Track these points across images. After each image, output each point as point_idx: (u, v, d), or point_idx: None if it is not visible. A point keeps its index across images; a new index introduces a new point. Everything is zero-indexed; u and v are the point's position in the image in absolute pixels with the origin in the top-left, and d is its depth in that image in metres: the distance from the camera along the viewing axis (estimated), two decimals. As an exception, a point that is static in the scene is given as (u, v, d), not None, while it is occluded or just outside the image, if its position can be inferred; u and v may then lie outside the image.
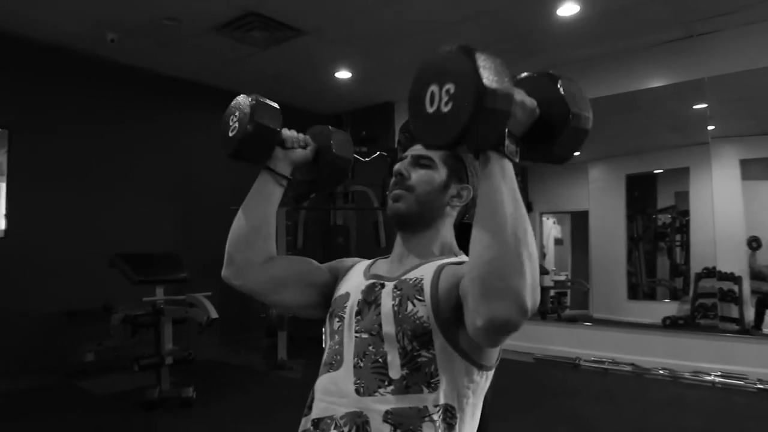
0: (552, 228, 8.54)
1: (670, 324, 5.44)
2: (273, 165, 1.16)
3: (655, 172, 6.70)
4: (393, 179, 1.14)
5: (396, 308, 0.98)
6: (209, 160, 5.88)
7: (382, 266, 1.15)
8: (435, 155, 1.14)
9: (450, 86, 0.79)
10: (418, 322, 0.96)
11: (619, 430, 3.19)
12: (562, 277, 7.77)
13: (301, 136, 1.20)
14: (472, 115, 0.76)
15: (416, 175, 1.11)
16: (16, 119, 4.60)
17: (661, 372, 4.45)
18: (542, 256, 8.33)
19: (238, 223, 1.14)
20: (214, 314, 3.66)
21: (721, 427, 3.20)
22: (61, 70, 4.91)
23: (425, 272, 1.02)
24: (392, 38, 4.83)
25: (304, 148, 1.20)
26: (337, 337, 1.05)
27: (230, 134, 1.13)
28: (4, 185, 4.55)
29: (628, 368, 4.59)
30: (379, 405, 0.93)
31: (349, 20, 4.46)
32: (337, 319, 1.07)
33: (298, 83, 5.94)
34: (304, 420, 1.02)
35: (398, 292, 1.00)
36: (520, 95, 0.85)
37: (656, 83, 5.05)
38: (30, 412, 3.56)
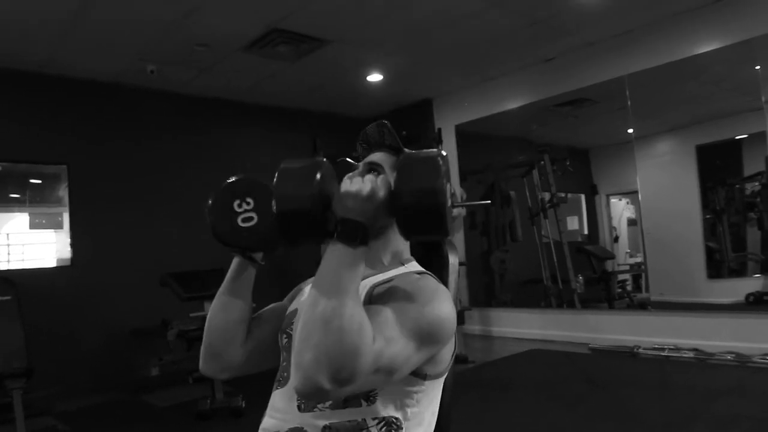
0: (624, 209, 8.20)
1: (754, 301, 5.08)
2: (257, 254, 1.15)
3: (738, 138, 6.26)
4: None
5: None
6: (252, 173, 6.09)
7: None
8: (385, 162, 1.14)
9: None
10: None
11: (671, 420, 3.02)
12: (638, 259, 7.43)
13: None
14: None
15: None
16: (73, 154, 4.98)
17: (727, 357, 4.18)
18: (614, 238, 8.02)
19: (220, 316, 1.11)
20: (256, 325, 3.81)
21: (785, 415, 2.97)
22: (110, 104, 5.27)
23: (363, 284, 1.03)
24: (417, 36, 4.81)
25: None
26: (284, 353, 1.10)
27: (241, 224, 1.08)
28: (67, 217, 4.93)
29: (690, 354, 4.34)
30: (318, 420, 0.96)
31: (369, 24, 4.49)
32: (285, 336, 1.11)
33: (332, 91, 6.03)
34: (260, 428, 1.06)
35: None
36: (353, 185, 0.90)
37: (709, 47, 4.69)
38: (99, 426, 3.84)
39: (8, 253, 4.83)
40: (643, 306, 6.08)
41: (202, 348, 1.13)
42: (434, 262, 1.27)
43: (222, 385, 3.97)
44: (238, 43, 4.69)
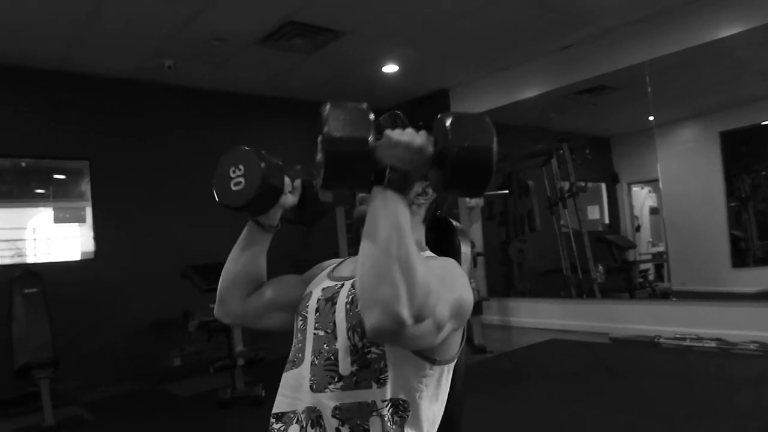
0: (646, 197, 8.09)
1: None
2: (262, 218, 1.20)
3: (764, 123, 6.12)
4: None
5: (348, 305, 1.03)
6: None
7: (348, 266, 1.19)
8: None
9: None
10: None
11: (692, 411, 2.99)
12: (661, 248, 7.34)
13: (289, 182, 1.22)
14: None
15: None
16: (95, 150, 5.07)
17: (751, 347, 4.11)
18: (636, 227, 7.93)
19: (229, 267, 1.21)
20: (273, 316, 3.86)
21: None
22: (128, 100, 5.34)
23: None
24: (432, 27, 4.78)
25: (292, 192, 1.23)
26: (299, 335, 1.11)
27: (233, 188, 1.12)
28: (90, 211, 5.03)
29: (713, 344, 4.28)
30: (330, 400, 0.98)
31: (384, 15, 4.47)
32: (300, 318, 1.13)
33: (348, 83, 6.03)
34: (273, 408, 1.09)
35: (353, 290, 1.04)
36: (404, 135, 0.90)
37: (732, 30, 4.56)
38: (123, 415, 3.94)
39: (35, 247, 4.95)
40: (665, 295, 6.01)
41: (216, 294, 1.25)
42: (446, 252, 1.27)
43: (242, 375, 4.03)
44: (254, 37, 4.71)
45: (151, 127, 5.45)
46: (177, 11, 4.12)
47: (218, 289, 1.22)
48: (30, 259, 4.85)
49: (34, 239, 4.96)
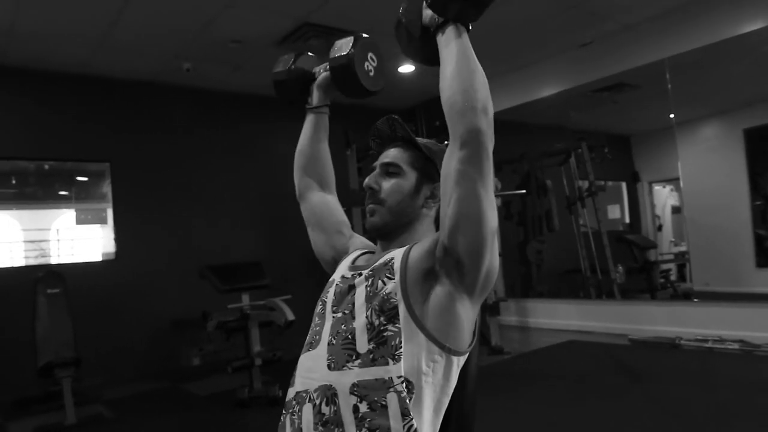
0: (668, 196, 7.97)
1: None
2: (309, 101, 1.37)
3: None
4: (366, 193, 1.20)
5: (368, 288, 1.06)
6: (289, 168, 6.18)
7: (364, 259, 1.22)
8: (401, 160, 1.19)
9: None
10: (385, 297, 1.02)
11: (712, 414, 2.94)
12: (683, 248, 7.22)
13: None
14: None
15: (386, 186, 1.17)
16: (115, 152, 5.15)
17: (775, 348, 4.03)
18: (658, 227, 7.82)
19: (296, 152, 1.41)
20: (290, 316, 3.88)
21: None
22: (148, 102, 5.42)
23: (396, 253, 1.08)
24: (447, 25, 4.77)
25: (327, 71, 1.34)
26: (317, 319, 1.14)
27: (370, 75, 1.35)
28: (111, 212, 5.11)
29: (735, 346, 4.20)
30: (347, 378, 0.99)
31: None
32: (320, 303, 1.16)
33: (365, 83, 6.04)
34: (289, 390, 1.10)
35: (371, 274, 1.08)
36: None
37: (755, 26, 4.45)
38: (143, 414, 3.99)
39: (58, 248, 5.06)
40: (687, 296, 5.91)
41: None
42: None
43: (260, 375, 4.07)
44: (271, 39, 4.76)
45: (171, 129, 5.52)
46: (195, 15, 4.18)
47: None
48: (53, 260, 4.96)
49: (58, 240, 5.06)
